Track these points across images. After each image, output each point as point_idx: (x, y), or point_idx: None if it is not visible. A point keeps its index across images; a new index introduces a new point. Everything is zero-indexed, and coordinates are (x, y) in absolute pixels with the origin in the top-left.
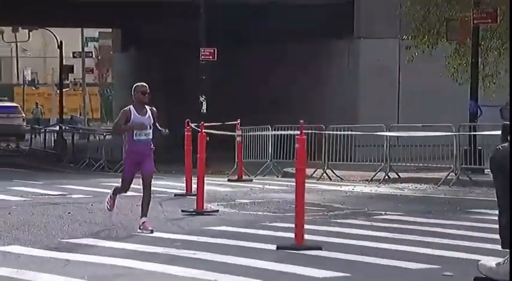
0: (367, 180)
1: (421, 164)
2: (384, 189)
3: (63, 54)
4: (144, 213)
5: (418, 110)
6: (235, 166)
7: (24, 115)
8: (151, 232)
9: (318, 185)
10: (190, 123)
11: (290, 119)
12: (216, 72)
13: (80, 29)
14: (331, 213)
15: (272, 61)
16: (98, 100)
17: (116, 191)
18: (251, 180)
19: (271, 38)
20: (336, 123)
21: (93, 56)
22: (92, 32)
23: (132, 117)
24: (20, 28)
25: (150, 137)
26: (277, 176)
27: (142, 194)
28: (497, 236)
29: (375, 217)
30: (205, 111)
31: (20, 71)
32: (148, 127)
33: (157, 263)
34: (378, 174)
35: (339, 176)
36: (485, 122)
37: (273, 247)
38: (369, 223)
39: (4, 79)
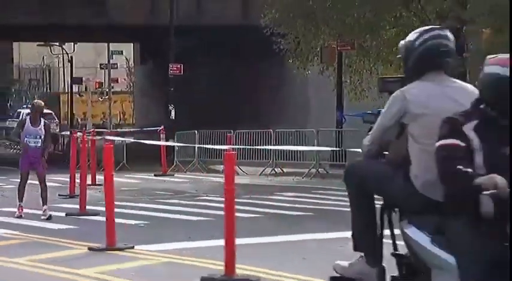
0: (265, 175)
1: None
2: (259, 180)
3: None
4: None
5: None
6: (174, 164)
7: (57, 121)
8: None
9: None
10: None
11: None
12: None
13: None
14: (168, 194)
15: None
16: (130, 106)
17: None
18: (173, 175)
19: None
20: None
21: (125, 66)
22: (117, 46)
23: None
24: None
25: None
26: (203, 172)
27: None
28: None
29: (197, 198)
30: (173, 118)
31: (67, 80)
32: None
33: None
34: (267, 169)
35: (244, 171)
36: (349, 127)
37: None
38: (182, 202)
39: (53, 88)
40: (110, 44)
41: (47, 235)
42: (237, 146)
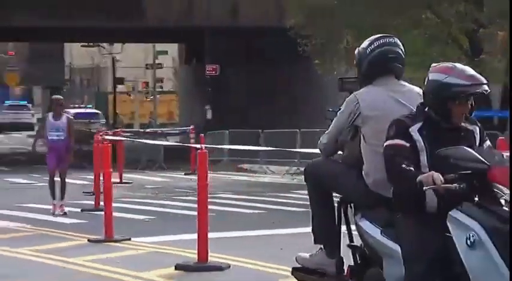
0: (290, 174)
1: None
2: (282, 179)
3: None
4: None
5: None
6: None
7: (102, 121)
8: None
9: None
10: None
11: None
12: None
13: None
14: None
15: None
16: (176, 106)
17: None
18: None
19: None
20: None
21: (171, 66)
22: (163, 46)
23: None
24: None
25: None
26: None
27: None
28: None
29: (212, 195)
30: (210, 118)
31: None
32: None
33: None
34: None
35: (272, 171)
36: None
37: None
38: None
39: (101, 88)
40: (156, 44)
41: (58, 228)
42: (262, 148)
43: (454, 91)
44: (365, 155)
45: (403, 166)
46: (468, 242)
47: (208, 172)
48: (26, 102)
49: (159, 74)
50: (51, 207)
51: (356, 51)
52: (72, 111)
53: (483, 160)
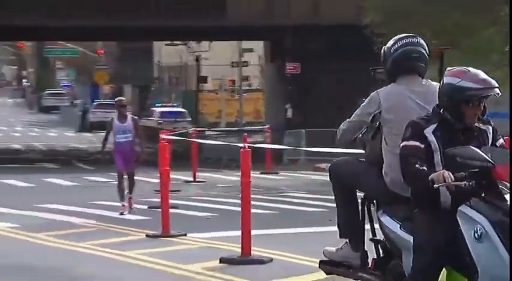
0: None
1: None
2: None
3: None
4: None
5: None
6: (282, 162)
7: (189, 119)
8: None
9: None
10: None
11: None
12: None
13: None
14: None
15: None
16: (262, 104)
17: None
18: (277, 173)
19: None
20: None
21: (258, 64)
22: (248, 44)
23: None
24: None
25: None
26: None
27: None
28: None
29: (281, 194)
30: (290, 116)
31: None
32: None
33: None
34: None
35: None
36: None
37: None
38: (262, 197)
39: (189, 86)
40: (242, 42)
41: (123, 224)
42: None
43: (467, 94)
44: (384, 155)
45: (417, 166)
46: (476, 235)
47: (287, 171)
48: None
49: (245, 72)
50: (120, 205)
51: (382, 50)
52: (158, 110)
53: (488, 158)
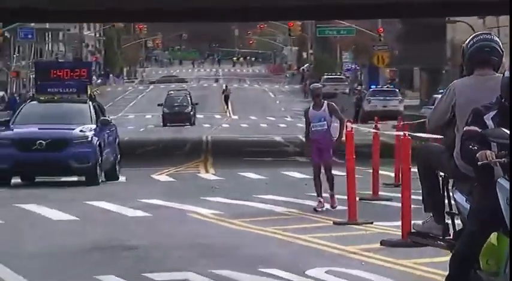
0: None
1: None
2: None
3: None
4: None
5: None
6: None
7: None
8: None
9: None
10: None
11: None
12: None
13: None
14: None
15: None
16: None
17: None
18: None
19: None
20: None
21: None
22: None
23: None
24: None
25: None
26: None
27: None
28: None
29: None
30: None
31: None
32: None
33: None
34: None
35: None
36: None
37: None
38: None
39: None
40: None
41: (318, 213)
42: None
43: None
44: (456, 141)
45: (470, 146)
46: (507, 201)
47: None
48: (393, 86)
49: None
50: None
51: (461, 47)
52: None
53: None
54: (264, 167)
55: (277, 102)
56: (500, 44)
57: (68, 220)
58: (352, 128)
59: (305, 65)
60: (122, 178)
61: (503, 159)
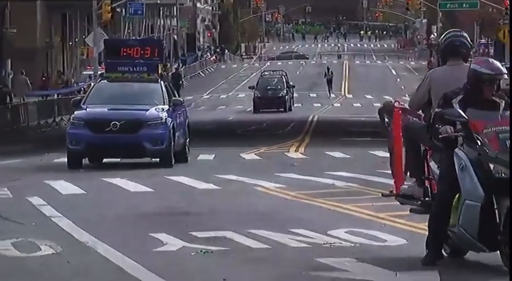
0: None
1: None
2: None
3: None
4: None
5: None
6: None
7: None
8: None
9: None
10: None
11: None
12: None
13: None
14: None
15: None
16: None
17: None
18: None
19: None
20: None
21: None
22: None
23: None
24: None
25: None
26: None
27: None
28: None
29: None
30: None
31: None
32: None
33: None
34: None
35: None
36: None
37: None
38: None
39: None
40: None
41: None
42: None
43: (485, 77)
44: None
45: (436, 125)
46: (461, 167)
47: None
48: None
49: None
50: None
51: (437, 42)
52: None
53: (463, 115)
54: (354, 146)
55: (398, 80)
56: (468, 39)
57: (143, 191)
58: None
59: (431, 37)
60: (210, 156)
61: (460, 133)
